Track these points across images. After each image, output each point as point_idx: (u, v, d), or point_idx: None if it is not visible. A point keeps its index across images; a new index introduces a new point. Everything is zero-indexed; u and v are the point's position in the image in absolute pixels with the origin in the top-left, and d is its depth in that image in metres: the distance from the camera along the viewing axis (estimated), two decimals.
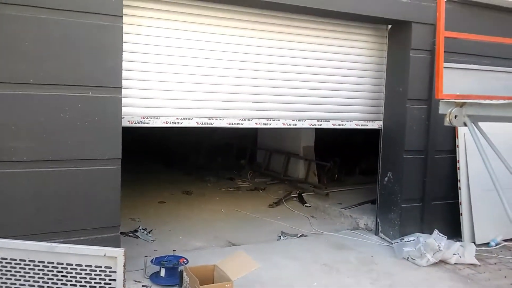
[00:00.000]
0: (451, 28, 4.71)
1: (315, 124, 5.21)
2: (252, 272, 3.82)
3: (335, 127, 5.32)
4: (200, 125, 4.56)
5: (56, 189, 3.74)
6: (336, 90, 5.28)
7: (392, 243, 5.18)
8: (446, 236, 4.85)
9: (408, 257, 4.82)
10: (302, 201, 7.34)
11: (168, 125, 4.38)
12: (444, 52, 4.96)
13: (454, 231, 5.34)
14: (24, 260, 2.84)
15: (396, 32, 5.35)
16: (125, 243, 4.43)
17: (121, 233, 4.27)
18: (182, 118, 4.46)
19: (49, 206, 3.73)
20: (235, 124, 4.74)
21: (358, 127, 5.46)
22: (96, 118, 3.83)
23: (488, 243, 5.33)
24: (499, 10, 5.53)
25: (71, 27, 3.67)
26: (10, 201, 3.61)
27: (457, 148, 5.39)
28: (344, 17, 5.04)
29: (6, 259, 2.85)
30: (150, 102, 4.32)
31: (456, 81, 4.87)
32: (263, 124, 4.90)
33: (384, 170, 5.54)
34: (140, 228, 5.51)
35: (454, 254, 4.73)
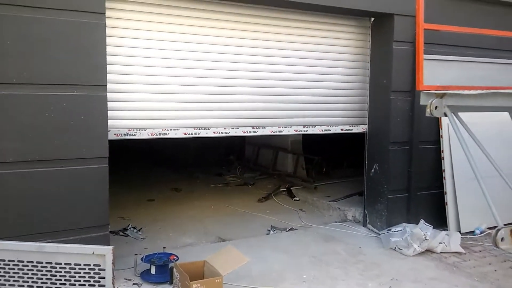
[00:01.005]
0: (433, 20, 4.77)
1: (301, 130, 5.27)
2: (242, 267, 3.86)
3: (321, 132, 5.39)
4: (187, 135, 4.58)
5: (43, 189, 3.73)
6: (321, 95, 5.33)
7: (380, 234, 5.27)
8: (432, 226, 4.94)
9: (395, 247, 4.90)
10: (291, 195, 7.39)
11: (154, 136, 4.41)
12: (427, 43, 5.03)
13: (440, 221, 5.44)
14: (13, 261, 2.86)
15: (379, 24, 5.40)
16: (114, 242, 4.43)
17: (110, 232, 4.28)
18: (169, 128, 4.48)
19: (36, 207, 3.71)
20: (221, 133, 4.77)
21: (344, 131, 5.54)
22: (81, 117, 3.82)
23: (473, 231, 5.43)
24: (481, 1, 5.61)
25: (53, 25, 3.65)
26: None
27: (441, 139, 5.48)
28: (327, 11, 5.07)
29: None
30: (136, 114, 4.32)
31: (439, 72, 4.95)
32: (250, 132, 4.94)
33: (370, 162, 5.61)
34: (130, 226, 5.51)
35: (440, 243, 4.83)
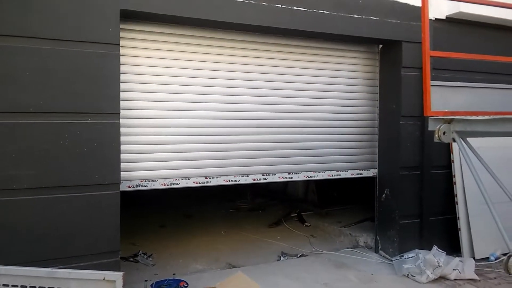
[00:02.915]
0: (440, 46, 4.82)
1: (310, 176, 5.27)
2: None
3: (331, 177, 5.39)
4: (197, 185, 4.59)
5: (56, 215, 3.78)
6: (331, 140, 5.38)
7: (392, 260, 5.19)
8: (445, 252, 4.87)
9: (408, 274, 4.82)
10: (301, 220, 7.35)
11: (166, 187, 4.43)
12: (437, 69, 5.06)
13: (453, 247, 5.36)
14: (25, 286, 2.89)
15: (387, 51, 5.48)
16: (125, 268, 4.44)
17: (121, 258, 4.30)
18: (180, 178, 4.52)
19: (49, 233, 3.76)
20: (232, 181, 4.79)
21: (353, 176, 5.54)
22: (95, 144, 3.90)
23: (488, 257, 5.33)
24: (488, 27, 5.67)
25: (70, 57, 3.78)
26: (11, 229, 3.65)
27: (452, 163, 5.45)
28: (335, 39, 5.16)
29: (8, 285, 2.89)
30: (148, 165, 4.40)
31: (449, 97, 4.96)
32: (260, 179, 4.95)
33: (381, 186, 5.59)
34: (140, 252, 5.52)
35: (453, 269, 4.74)
